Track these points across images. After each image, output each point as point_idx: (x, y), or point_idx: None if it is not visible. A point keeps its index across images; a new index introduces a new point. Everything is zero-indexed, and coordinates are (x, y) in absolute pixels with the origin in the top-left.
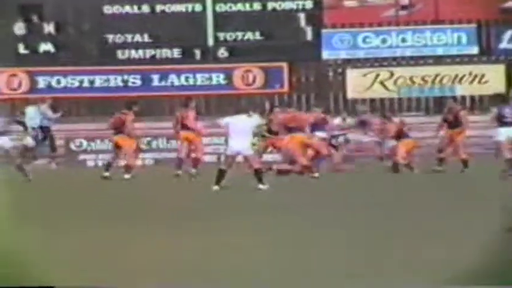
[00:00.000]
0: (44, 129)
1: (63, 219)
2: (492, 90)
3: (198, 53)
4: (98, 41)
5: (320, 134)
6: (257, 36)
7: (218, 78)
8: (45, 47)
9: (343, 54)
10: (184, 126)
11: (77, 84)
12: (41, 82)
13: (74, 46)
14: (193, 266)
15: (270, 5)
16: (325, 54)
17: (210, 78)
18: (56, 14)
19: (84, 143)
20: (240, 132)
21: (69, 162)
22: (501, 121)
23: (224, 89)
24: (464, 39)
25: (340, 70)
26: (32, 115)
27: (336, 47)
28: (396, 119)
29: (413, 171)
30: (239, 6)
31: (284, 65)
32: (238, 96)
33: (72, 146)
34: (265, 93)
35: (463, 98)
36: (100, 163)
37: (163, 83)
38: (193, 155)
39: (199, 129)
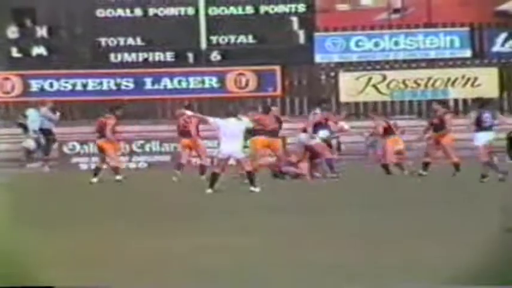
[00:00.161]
0: (45, 132)
1: (61, 221)
2: (485, 94)
3: (191, 56)
4: (90, 45)
5: (323, 134)
6: (250, 39)
7: (211, 82)
8: (38, 50)
9: (336, 58)
10: (187, 134)
11: (69, 87)
12: (34, 85)
13: (67, 49)
14: (189, 266)
15: (263, 9)
16: (318, 58)
17: (203, 82)
18: (49, 17)
19: (77, 146)
20: (231, 135)
21: (62, 165)
22: (480, 126)
23: (217, 93)
24: (457, 43)
25: (333, 73)
26: (34, 118)
27: (328, 50)
28: (379, 118)
29: (404, 172)
30: (232, 10)
31: (277, 69)
32: (231, 100)
33: (65, 149)
34: (258, 97)
35: (456, 101)
36: (93, 166)
37: (156, 87)
38: (198, 161)
39: (200, 136)
